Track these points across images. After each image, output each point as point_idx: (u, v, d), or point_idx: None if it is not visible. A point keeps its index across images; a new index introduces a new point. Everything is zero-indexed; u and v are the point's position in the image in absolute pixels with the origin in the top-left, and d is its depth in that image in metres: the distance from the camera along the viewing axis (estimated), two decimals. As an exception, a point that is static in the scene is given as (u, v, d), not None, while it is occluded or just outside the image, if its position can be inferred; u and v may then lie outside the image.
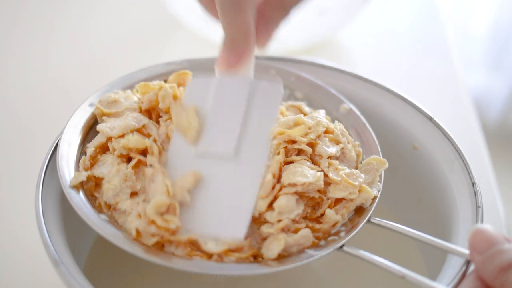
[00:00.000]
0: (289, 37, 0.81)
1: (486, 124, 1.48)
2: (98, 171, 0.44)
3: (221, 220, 0.41)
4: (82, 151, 0.45)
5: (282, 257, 0.41)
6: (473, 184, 0.46)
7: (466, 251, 0.39)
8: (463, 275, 0.40)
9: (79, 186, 0.42)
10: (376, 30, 0.92)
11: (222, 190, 0.42)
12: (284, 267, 0.40)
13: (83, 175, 0.43)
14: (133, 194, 0.43)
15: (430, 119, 0.51)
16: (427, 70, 0.85)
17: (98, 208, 0.42)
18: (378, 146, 0.48)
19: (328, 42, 0.86)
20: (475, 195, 0.45)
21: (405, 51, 0.88)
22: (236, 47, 0.42)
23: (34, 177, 0.44)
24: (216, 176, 0.43)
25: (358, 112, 0.50)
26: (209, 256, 0.40)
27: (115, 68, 0.80)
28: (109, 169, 0.43)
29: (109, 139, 0.45)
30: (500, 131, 1.52)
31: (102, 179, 0.43)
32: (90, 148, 0.45)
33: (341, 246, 0.41)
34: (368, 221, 0.43)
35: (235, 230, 0.40)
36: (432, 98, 0.79)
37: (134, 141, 0.44)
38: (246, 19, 0.41)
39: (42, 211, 0.42)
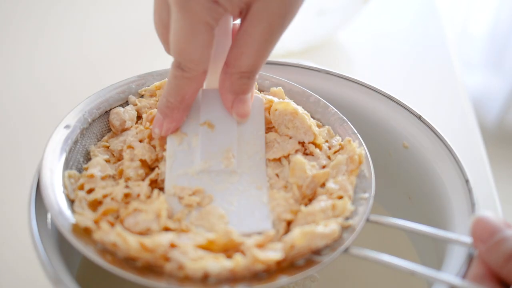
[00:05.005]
0: (288, 38, 0.82)
1: (484, 124, 1.49)
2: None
3: (246, 222, 0.44)
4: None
5: (289, 263, 0.41)
6: (467, 181, 0.46)
7: (469, 240, 0.39)
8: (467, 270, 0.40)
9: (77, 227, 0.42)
10: (375, 31, 0.92)
11: (233, 201, 0.44)
12: (291, 279, 0.39)
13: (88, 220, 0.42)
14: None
15: (419, 117, 0.52)
16: (426, 70, 0.86)
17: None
18: (367, 152, 0.47)
19: (327, 42, 0.86)
20: (470, 192, 0.45)
21: (404, 51, 0.89)
22: (171, 115, 0.45)
23: (28, 180, 0.45)
24: (223, 190, 0.45)
25: (347, 120, 0.50)
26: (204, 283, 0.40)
27: (116, 68, 0.80)
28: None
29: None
30: (499, 131, 1.52)
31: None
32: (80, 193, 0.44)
33: (346, 249, 0.41)
34: (367, 220, 0.43)
35: (262, 224, 0.43)
36: (431, 98, 0.80)
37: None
38: (187, 91, 0.44)
39: (36, 221, 0.42)
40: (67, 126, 0.47)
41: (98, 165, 0.46)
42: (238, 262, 0.39)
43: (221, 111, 0.47)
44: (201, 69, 0.42)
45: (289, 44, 0.82)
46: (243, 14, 0.42)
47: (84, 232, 0.41)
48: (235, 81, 0.44)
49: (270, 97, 0.50)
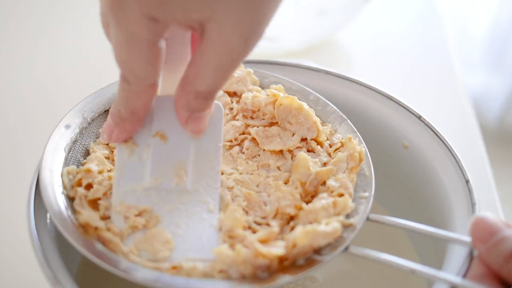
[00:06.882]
0: (288, 38, 0.82)
1: (484, 124, 1.49)
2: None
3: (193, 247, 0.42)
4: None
5: (291, 263, 0.41)
6: (467, 181, 0.46)
7: (469, 239, 0.39)
8: (466, 271, 0.40)
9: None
10: (376, 31, 0.92)
11: (182, 224, 0.42)
12: (293, 278, 0.39)
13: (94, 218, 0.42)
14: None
15: (419, 117, 0.52)
16: (426, 70, 0.86)
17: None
18: (367, 150, 0.47)
19: (327, 42, 0.86)
20: (470, 192, 0.45)
21: (405, 51, 0.89)
22: (122, 125, 0.42)
23: (28, 180, 0.45)
24: (172, 210, 0.43)
25: (347, 119, 0.50)
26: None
27: (115, 68, 0.80)
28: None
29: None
30: (499, 131, 1.52)
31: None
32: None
33: (346, 248, 0.41)
34: (367, 219, 0.43)
35: (208, 252, 0.41)
36: (431, 98, 0.80)
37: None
38: (142, 104, 0.41)
39: (35, 221, 0.42)
40: (66, 126, 0.47)
41: (96, 160, 0.46)
42: (239, 251, 0.39)
43: (176, 121, 0.43)
44: (147, 83, 0.39)
45: (289, 44, 0.82)
46: (198, 31, 0.38)
47: (84, 231, 0.41)
48: (191, 100, 0.40)
49: (275, 91, 0.50)
